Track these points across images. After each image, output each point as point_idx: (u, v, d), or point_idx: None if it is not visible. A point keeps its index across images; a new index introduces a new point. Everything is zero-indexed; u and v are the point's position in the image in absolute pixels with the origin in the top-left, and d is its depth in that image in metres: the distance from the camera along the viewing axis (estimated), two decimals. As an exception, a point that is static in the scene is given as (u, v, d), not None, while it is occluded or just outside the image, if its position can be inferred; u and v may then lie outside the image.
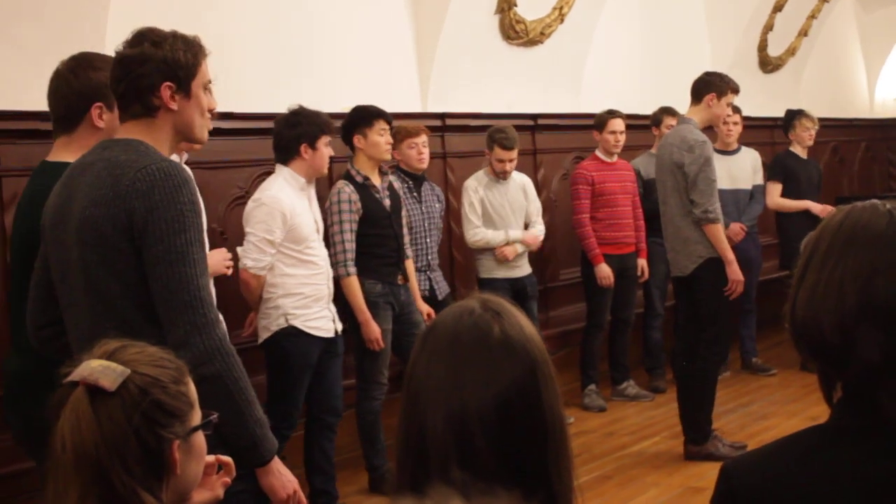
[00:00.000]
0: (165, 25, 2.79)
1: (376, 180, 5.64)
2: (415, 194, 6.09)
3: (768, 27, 10.26)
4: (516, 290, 6.64)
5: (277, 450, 3.99)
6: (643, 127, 8.03)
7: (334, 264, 5.36)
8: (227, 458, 2.11)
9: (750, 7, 10.00)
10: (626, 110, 7.54)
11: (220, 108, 3.06)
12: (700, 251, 5.91)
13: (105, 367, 1.77)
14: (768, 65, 10.59)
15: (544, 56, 7.87)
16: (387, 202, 5.66)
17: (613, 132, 7.31)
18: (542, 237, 6.97)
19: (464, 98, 7.34)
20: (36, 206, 3.08)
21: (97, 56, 3.27)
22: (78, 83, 3.16)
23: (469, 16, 7.17)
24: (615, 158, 7.40)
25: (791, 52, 10.82)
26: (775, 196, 8.33)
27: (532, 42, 7.71)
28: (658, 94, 8.38)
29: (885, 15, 12.58)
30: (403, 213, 5.83)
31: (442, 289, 6.20)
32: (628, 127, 7.45)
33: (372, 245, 5.56)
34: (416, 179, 6.13)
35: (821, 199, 8.49)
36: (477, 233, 6.71)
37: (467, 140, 7.44)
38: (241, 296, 5.16)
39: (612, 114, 7.36)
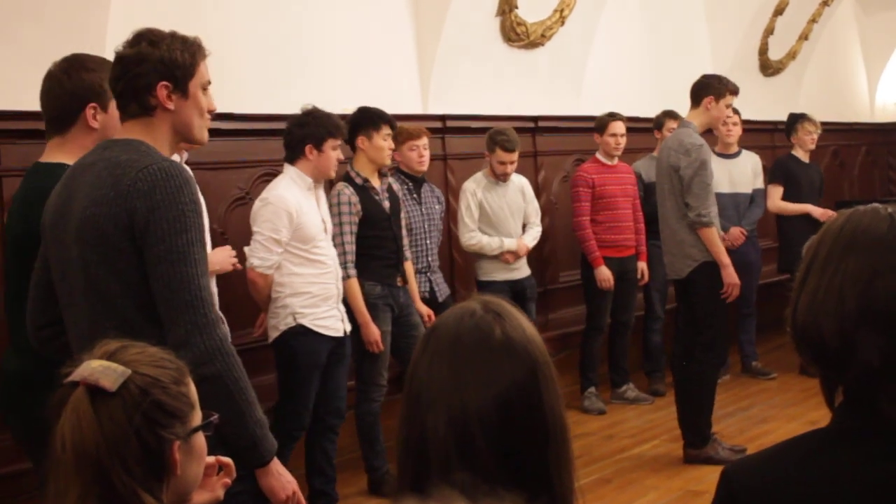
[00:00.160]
0: (166, 26, 2.79)
1: (376, 182, 5.64)
2: (415, 196, 6.09)
3: (769, 30, 10.27)
4: (515, 291, 6.64)
5: (287, 452, 4.00)
6: (644, 130, 8.04)
7: (334, 266, 5.36)
8: (227, 460, 2.11)
9: (751, 10, 10.01)
10: (626, 113, 7.54)
11: (221, 109, 3.06)
12: (695, 254, 5.92)
13: (106, 367, 1.77)
14: (769, 68, 10.60)
15: (545, 58, 7.88)
16: (386, 204, 5.66)
17: (614, 135, 7.31)
18: (536, 241, 6.97)
19: (464, 100, 7.34)
20: (29, 206, 3.08)
21: (90, 57, 3.27)
22: (71, 84, 3.16)
23: (470, 18, 7.17)
24: (616, 161, 7.41)
25: (792, 55, 10.83)
26: (776, 199, 8.33)
27: (533, 44, 7.71)
28: (659, 96, 8.38)
29: (886, 19, 12.58)
30: (402, 214, 5.83)
31: (442, 290, 6.20)
32: (629, 130, 7.45)
33: (371, 247, 5.56)
34: (415, 181, 6.13)
35: (822, 203, 8.49)
36: (472, 237, 6.71)
37: (468, 142, 7.44)
38: (251, 295, 5.16)
39: (612, 116, 7.36)
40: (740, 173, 7.97)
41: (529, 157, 7.86)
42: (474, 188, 6.75)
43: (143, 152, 2.64)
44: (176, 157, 3.93)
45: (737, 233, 7.81)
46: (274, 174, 5.99)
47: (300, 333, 5.03)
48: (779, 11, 10.17)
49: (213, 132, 2.96)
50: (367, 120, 5.60)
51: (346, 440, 5.66)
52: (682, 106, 6.40)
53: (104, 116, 3.17)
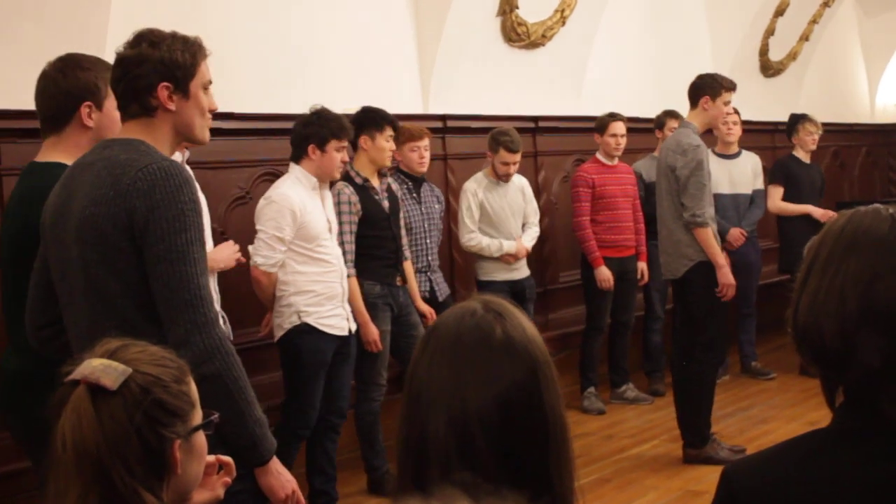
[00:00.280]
0: (166, 25, 2.79)
1: (375, 182, 5.64)
2: (414, 195, 6.09)
3: (770, 31, 10.26)
4: (515, 292, 6.64)
5: (293, 451, 3.99)
6: (644, 130, 8.04)
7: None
8: (227, 459, 2.11)
9: (751, 11, 10.01)
10: (627, 113, 7.55)
11: (221, 109, 3.06)
12: (691, 254, 5.93)
13: (106, 365, 1.77)
14: (769, 69, 10.60)
15: (545, 58, 7.87)
16: (385, 204, 5.66)
17: (614, 135, 7.31)
18: (535, 241, 6.98)
19: (465, 100, 7.34)
20: (27, 205, 3.08)
21: (84, 56, 3.27)
22: (66, 83, 3.16)
23: (470, 18, 7.17)
24: (616, 161, 7.41)
25: (792, 56, 10.82)
26: (776, 200, 8.33)
27: (533, 44, 7.71)
28: (659, 97, 8.38)
29: (887, 20, 12.58)
30: (402, 214, 5.83)
31: (442, 290, 6.20)
32: (629, 130, 7.46)
33: (371, 246, 5.56)
34: (415, 181, 6.14)
35: (823, 203, 8.49)
36: (472, 237, 6.71)
37: (468, 142, 7.44)
38: (255, 294, 5.17)
39: (612, 117, 7.36)
40: (740, 174, 7.97)
41: (529, 157, 7.86)
42: (475, 188, 6.75)
43: (142, 152, 2.64)
44: (178, 156, 3.94)
45: (737, 234, 7.81)
46: (274, 173, 6.01)
47: (305, 332, 5.03)
48: (779, 12, 10.16)
49: (214, 131, 2.96)
50: (370, 120, 5.60)
51: (346, 439, 5.66)
52: (683, 106, 6.40)
53: (99, 115, 3.17)
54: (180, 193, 2.57)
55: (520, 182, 6.93)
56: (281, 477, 2.72)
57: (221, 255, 4.34)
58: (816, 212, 8.16)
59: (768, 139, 10.38)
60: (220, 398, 2.44)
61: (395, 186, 5.86)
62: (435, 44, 7.12)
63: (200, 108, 2.77)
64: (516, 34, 7.53)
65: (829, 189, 8.92)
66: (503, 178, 6.76)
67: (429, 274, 6.12)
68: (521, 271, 6.89)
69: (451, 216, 7.15)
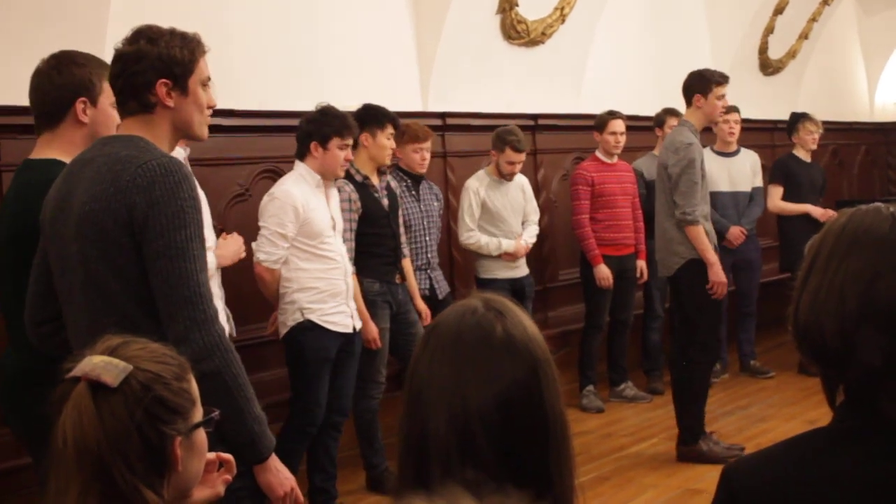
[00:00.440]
0: (166, 23, 2.78)
1: (375, 180, 5.64)
2: (413, 193, 6.09)
3: (769, 29, 10.26)
4: (515, 290, 6.65)
5: (300, 448, 3.95)
6: (643, 128, 8.04)
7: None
8: (227, 456, 2.11)
9: (751, 9, 10.00)
10: (626, 111, 7.54)
11: (221, 106, 3.06)
12: (682, 252, 5.95)
13: (107, 362, 1.77)
14: (769, 67, 10.59)
15: (545, 56, 7.87)
16: (385, 202, 5.66)
17: (614, 133, 7.31)
18: (534, 239, 6.98)
19: (464, 98, 7.34)
20: (21, 202, 3.09)
21: (78, 53, 3.27)
22: (61, 79, 3.16)
23: (470, 15, 7.17)
24: (615, 159, 7.41)
25: (791, 54, 10.82)
26: (776, 199, 8.33)
27: (533, 42, 7.71)
28: (659, 95, 8.38)
29: (886, 18, 12.57)
30: (400, 212, 5.83)
31: (442, 288, 6.20)
32: (628, 128, 7.45)
33: (370, 244, 5.56)
34: (414, 179, 6.13)
35: (823, 202, 8.50)
36: (471, 236, 6.71)
37: (468, 139, 7.44)
38: (258, 291, 5.18)
39: (612, 115, 7.36)
40: (739, 171, 7.98)
41: (529, 155, 7.83)
42: (477, 186, 6.75)
43: (142, 148, 2.64)
44: (181, 151, 3.95)
45: (737, 232, 7.82)
46: (274, 170, 6.02)
47: (308, 329, 5.03)
48: (779, 10, 10.16)
49: (213, 128, 2.96)
50: (371, 118, 5.60)
51: (345, 437, 5.66)
52: (683, 104, 6.40)
53: (94, 111, 3.17)
54: (180, 190, 2.57)
55: (520, 180, 6.93)
56: (280, 474, 2.71)
57: (228, 249, 4.34)
58: (816, 211, 8.16)
59: (767, 137, 10.37)
60: (219, 395, 2.44)
61: (394, 184, 5.86)
62: (435, 41, 7.11)
63: (199, 105, 2.77)
64: (516, 32, 7.53)
65: (828, 187, 8.92)
66: (507, 176, 6.77)
67: (428, 272, 6.12)
68: (521, 269, 6.89)
69: (450, 214, 7.15)
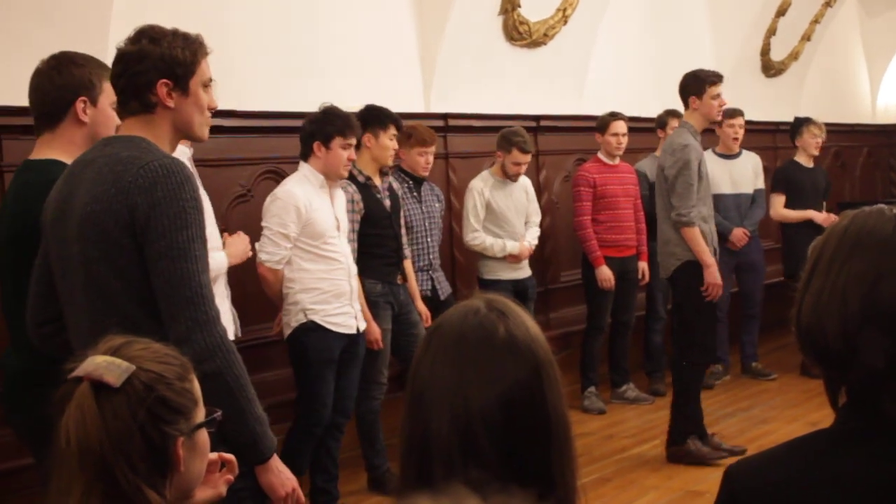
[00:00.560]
0: (169, 23, 2.78)
1: (377, 181, 5.64)
2: (415, 194, 6.09)
3: (771, 31, 10.25)
4: (518, 291, 6.66)
5: (306, 449, 3.92)
6: (645, 130, 8.04)
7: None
8: (229, 456, 2.11)
9: (753, 11, 10.00)
10: (628, 113, 7.54)
11: (223, 106, 3.05)
12: (678, 253, 5.97)
13: (110, 362, 1.77)
14: (771, 69, 10.59)
15: (547, 57, 7.87)
16: (387, 202, 5.66)
17: (615, 134, 7.31)
18: (536, 242, 6.98)
19: (466, 98, 7.34)
20: (21, 202, 3.09)
21: (77, 54, 3.28)
22: (61, 78, 3.17)
23: (472, 16, 7.17)
24: (617, 161, 7.41)
25: (794, 56, 10.81)
26: (779, 208, 8.33)
27: (535, 43, 7.71)
28: (660, 96, 8.37)
29: (888, 20, 12.57)
30: (402, 213, 5.83)
31: (444, 289, 6.20)
32: (631, 129, 7.46)
33: (372, 245, 5.56)
34: (416, 180, 6.13)
35: (828, 205, 8.49)
36: (476, 236, 6.72)
37: (470, 140, 7.44)
38: (262, 292, 5.18)
39: (614, 116, 7.36)
40: (741, 174, 7.98)
41: (531, 156, 7.86)
42: (482, 187, 6.75)
43: (144, 149, 2.64)
44: (186, 150, 3.95)
45: (740, 233, 7.83)
46: (276, 171, 6.02)
47: (311, 330, 5.04)
48: (781, 12, 10.15)
49: (215, 129, 2.96)
50: (374, 119, 5.60)
51: (346, 438, 5.66)
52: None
53: (94, 111, 3.17)
54: (182, 191, 2.57)
55: (523, 181, 6.95)
56: (281, 475, 2.71)
57: (237, 248, 4.35)
58: (818, 217, 8.16)
59: (769, 139, 10.37)
60: (220, 396, 2.44)
61: (395, 185, 5.86)
62: (437, 42, 7.11)
63: (200, 106, 2.77)
64: (518, 33, 7.53)
65: (831, 190, 8.91)
66: (513, 177, 6.78)
67: (430, 273, 6.12)
68: (524, 271, 6.90)
69: (452, 215, 7.15)
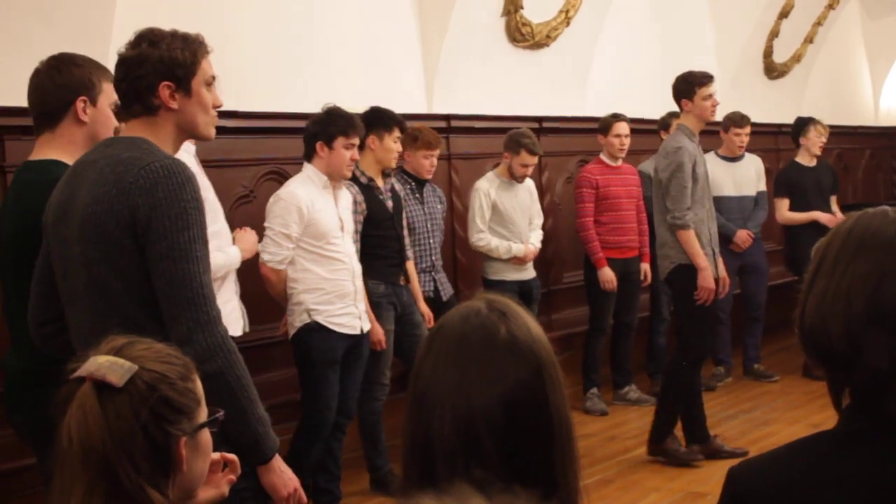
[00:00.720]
0: (171, 25, 2.78)
1: (379, 182, 5.65)
2: (417, 196, 6.09)
3: (774, 33, 10.25)
4: (523, 292, 6.66)
5: (312, 448, 3.89)
6: (648, 131, 8.04)
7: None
8: (232, 456, 2.11)
9: (756, 13, 10.00)
10: (631, 114, 7.54)
11: (225, 107, 3.05)
12: (673, 256, 5.98)
13: (112, 362, 1.77)
14: (773, 71, 10.59)
15: (550, 59, 7.87)
16: (389, 203, 5.67)
17: (618, 136, 7.31)
18: (540, 245, 6.99)
19: (469, 100, 7.34)
20: (21, 203, 3.10)
21: (76, 55, 3.30)
22: (62, 78, 3.18)
23: (475, 18, 7.17)
24: (620, 162, 7.40)
25: (796, 58, 10.81)
26: (784, 212, 8.32)
27: (538, 45, 7.71)
28: (663, 98, 8.33)
29: (891, 22, 12.57)
30: (404, 214, 5.83)
31: (446, 290, 6.20)
32: (633, 131, 7.45)
33: (375, 246, 5.57)
34: (418, 181, 6.14)
35: (839, 201, 8.48)
36: (482, 238, 6.72)
37: (472, 142, 7.44)
38: (265, 292, 5.17)
39: (616, 117, 7.36)
40: (744, 176, 7.98)
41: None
42: (487, 188, 6.75)
43: (145, 150, 2.64)
44: (191, 148, 3.95)
45: (744, 235, 7.83)
46: (279, 172, 6.02)
47: (314, 330, 5.04)
48: (784, 14, 10.15)
49: (218, 130, 2.95)
50: (379, 121, 5.60)
51: (349, 439, 5.66)
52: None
53: (93, 111, 3.18)
54: (183, 191, 2.57)
55: (528, 183, 6.96)
56: (283, 475, 2.71)
57: (248, 242, 4.37)
58: (823, 217, 8.14)
59: (772, 141, 10.36)
60: (222, 396, 2.43)
61: (398, 187, 5.86)
62: (439, 43, 7.11)
63: (203, 106, 2.77)
64: (521, 34, 7.53)
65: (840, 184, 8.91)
66: (519, 179, 6.79)
67: (433, 274, 6.13)
68: (529, 272, 6.91)
69: (454, 216, 7.15)
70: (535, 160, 6.78)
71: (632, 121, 7.47)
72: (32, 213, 2.92)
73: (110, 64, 2.82)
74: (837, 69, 12.06)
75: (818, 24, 10.79)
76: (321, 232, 5.02)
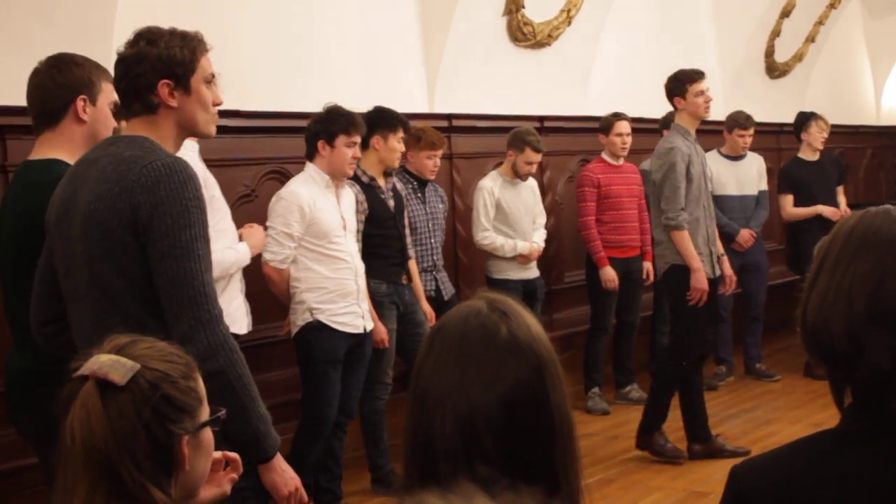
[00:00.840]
0: (171, 25, 2.78)
1: (381, 181, 5.64)
2: (419, 195, 6.10)
3: (775, 33, 10.25)
4: (527, 291, 6.67)
5: (313, 448, 3.87)
6: (649, 130, 8.03)
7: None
8: (234, 455, 2.11)
9: (757, 12, 9.99)
10: (632, 113, 7.54)
11: (227, 107, 3.05)
12: (667, 256, 5.99)
13: (115, 361, 1.77)
14: (775, 70, 10.58)
15: (551, 58, 7.87)
16: (391, 203, 5.67)
17: (619, 135, 7.31)
18: (543, 244, 6.99)
19: (470, 99, 7.34)
20: (21, 203, 3.10)
21: (77, 55, 3.31)
22: (62, 77, 3.18)
23: (477, 17, 7.17)
24: (621, 161, 7.40)
25: (798, 57, 10.81)
26: (788, 208, 8.31)
27: (539, 44, 7.71)
28: (664, 97, 8.34)
29: (893, 22, 12.55)
30: (406, 213, 5.83)
31: (448, 289, 6.20)
32: (634, 130, 7.45)
33: (376, 245, 5.57)
34: (420, 181, 6.14)
35: (846, 190, 8.47)
36: (487, 236, 6.72)
37: (474, 141, 7.44)
38: (267, 291, 5.18)
39: (617, 116, 7.36)
40: (746, 175, 7.98)
41: (539, 156, 7.86)
42: (491, 186, 6.75)
43: (147, 149, 2.64)
44: (195, 146, 3.95)
45: (747, 234, 7.83)
46: (281, 171, 6.02)
47: (317, 329, 5.04)
48: (785, 13, 10.15)
49: (219, 129, 2.95)
50: (383, 121, 5.60)
51: (350, 438, 5.66)
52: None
53: (93, 110, 3.19)
54: (184, 190, 2.57)
55: (530, 182, 6.97)
56: (284, 474, 2.72)
57: (256, 238, 4.39)
58: (826, 211, 8.13)
59: (773, 140, 10.36)
60: (223, 395, 2.44)
61: (399, 186, 5.86)
62: (441, 43, 7.11)
63: (203, 103, 2.76)
64: (522, 34, 7.53)
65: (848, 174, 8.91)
66: (523, 177, 6.79)
67: (434, 273, 6.13)
68: (533, 271, 6.92)
69: (456, 216, 7.15)
70: (539, 157, 6.80)
71: (633, 120, 7.47)
72: (33, 212, 2.92)
73: (111, 64, 2.82)
74: (839, 68, 12.05)
75: (820, 23, 10.79)
76: (323, 231, 5.03)
